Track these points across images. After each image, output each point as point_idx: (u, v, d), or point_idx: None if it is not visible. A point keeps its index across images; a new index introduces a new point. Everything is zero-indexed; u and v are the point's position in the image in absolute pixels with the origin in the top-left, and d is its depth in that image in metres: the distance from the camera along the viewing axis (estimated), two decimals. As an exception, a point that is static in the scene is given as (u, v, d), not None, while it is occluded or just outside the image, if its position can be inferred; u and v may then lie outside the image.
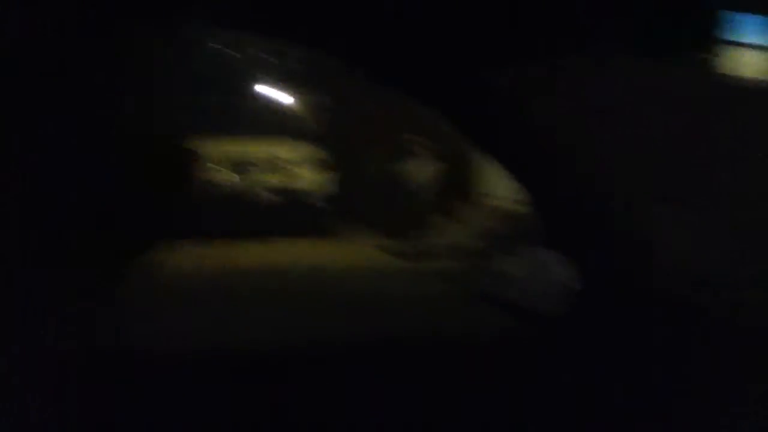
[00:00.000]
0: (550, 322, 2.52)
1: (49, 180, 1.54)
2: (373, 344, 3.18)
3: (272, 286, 6.54)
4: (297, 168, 9.97)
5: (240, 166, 9.80)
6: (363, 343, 3.73)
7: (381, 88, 4.41)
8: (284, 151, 10.11)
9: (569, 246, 2.53)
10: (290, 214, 9.55)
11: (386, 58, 2.60)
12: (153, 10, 2.07)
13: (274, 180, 9.75)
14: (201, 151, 9.49)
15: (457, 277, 7.07)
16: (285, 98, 12.08)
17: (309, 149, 10.25)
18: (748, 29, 3.22)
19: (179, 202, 8.24)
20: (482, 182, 9.36)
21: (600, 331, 2.39)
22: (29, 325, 1.50)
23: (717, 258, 2.52)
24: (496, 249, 7.09)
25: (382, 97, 8.67)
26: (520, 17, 2.45)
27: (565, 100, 2.44)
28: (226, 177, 9.67)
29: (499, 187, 8.87)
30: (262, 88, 11.80)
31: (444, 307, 5.52)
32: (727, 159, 2.74)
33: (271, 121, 11.05)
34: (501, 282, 3.12)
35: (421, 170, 9.43)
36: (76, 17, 1.61)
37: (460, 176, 9.48)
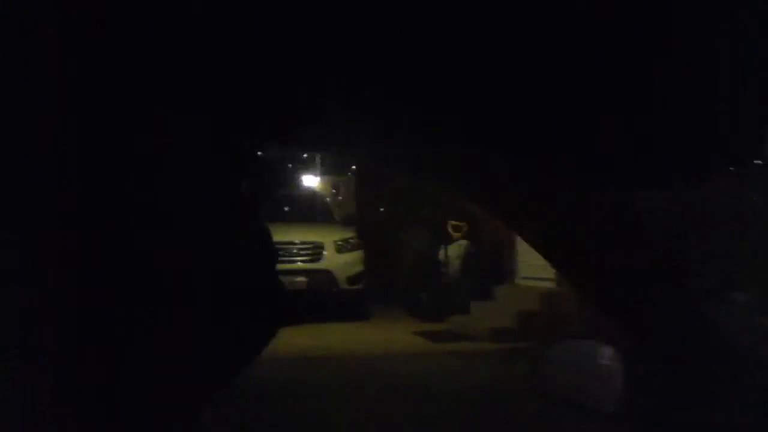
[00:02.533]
0: (600, 417, 2.51)
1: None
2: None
3: (315, 374, 6.58)
4: (335, 253, 10.11)
5: (281, 252, 9.97)
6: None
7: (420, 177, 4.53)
8: (322, 236, 10.28)
9: (624, 340, 2.53)
10: (328, 299, 9.67)
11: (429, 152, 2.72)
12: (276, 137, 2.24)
13: (312, 265, 9.89)
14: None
15: (496, 361, 7.03)
16: (324, 186, 12.42)
17: (347, 234, 10.40)
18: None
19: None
20: (521, 265, 9.38)
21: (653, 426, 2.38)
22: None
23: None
24: (535, 333, 7.06)
25: (421, 183, 8.87)
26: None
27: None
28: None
29: (539, 270, 8.89)
30: (303, 177, 12.17)
31: (483, 393, 5.50)
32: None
33: (310, 208, 11.32)
34: (543, 368, 3.12)
35: (459, 253, 9.50)
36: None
37: (497, 259, 9.52)
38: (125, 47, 1.52)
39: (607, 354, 2.97)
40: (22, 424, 1.31)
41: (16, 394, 1.32)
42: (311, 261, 9.92)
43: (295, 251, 9.93)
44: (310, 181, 13.61)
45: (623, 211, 2.42)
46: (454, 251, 9.61)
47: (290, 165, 13.37)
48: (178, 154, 1.58)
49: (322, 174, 13.66)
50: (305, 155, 13.39)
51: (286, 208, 11.08)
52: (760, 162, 2.58)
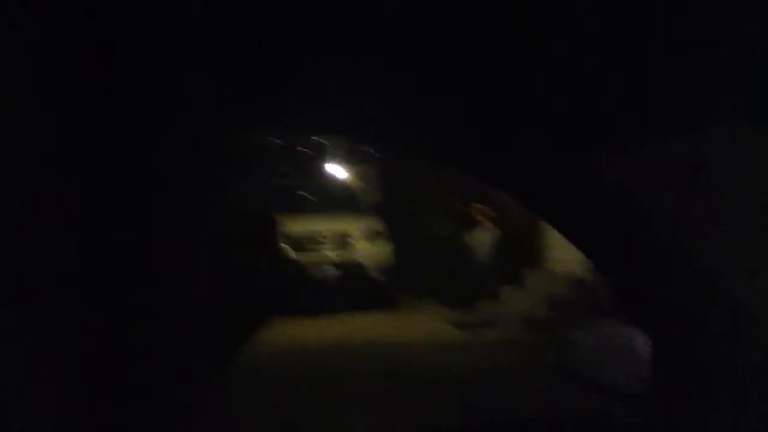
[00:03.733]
0: (632, 401, 2.45)
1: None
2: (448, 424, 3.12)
3: (348, 364, 6.58)
4: (361, 242, 10.09)
5: (308, 242, 9.99)
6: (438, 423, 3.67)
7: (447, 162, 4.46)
8: (348, 225, 10.26)
9: (652, 320, 2.47)
10: (356, 288, 9.67)
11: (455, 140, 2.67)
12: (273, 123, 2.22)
13: (339, 255, 9.89)
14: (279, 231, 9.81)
15: (528, 349, 6.95)
16: (349, 175, 12.39)
17: (372, 223, 10.37)
18: None
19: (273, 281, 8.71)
20: (549, 249, 9.25)
21: (682, 411, 2.32)
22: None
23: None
24: (567, 319, 6.96)
25: (446, 168, 8.77)
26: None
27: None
28: (295, 254, 9.88)
29: (566, 254, 8.76)
30: (327, 167, 12.17)
31: (516, 381, 5.43)
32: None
33: (336, 198, 11.31)
34: (575, 354, 3.05)
35: (486, 239, 9.41)
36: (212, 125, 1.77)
37: (525, 244, 9.41)
38: (123, 44, 1.49)
39: (635, 337, 2.89)
40: (22, 424, 1.31)
41: (16, 393, 1.31)
42: (338, 250, 9.91)
43: (322, 241, 9.93)
44: (336, 170, 13.58)
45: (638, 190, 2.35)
46: (481, 236, 9.51)
47: (308, 152, 13.36)
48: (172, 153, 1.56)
49: (348, 162, 13.63)
50: (328, 144, 13.38)
51: (312, 198, 11.09)
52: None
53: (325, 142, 12.90)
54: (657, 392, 2.27)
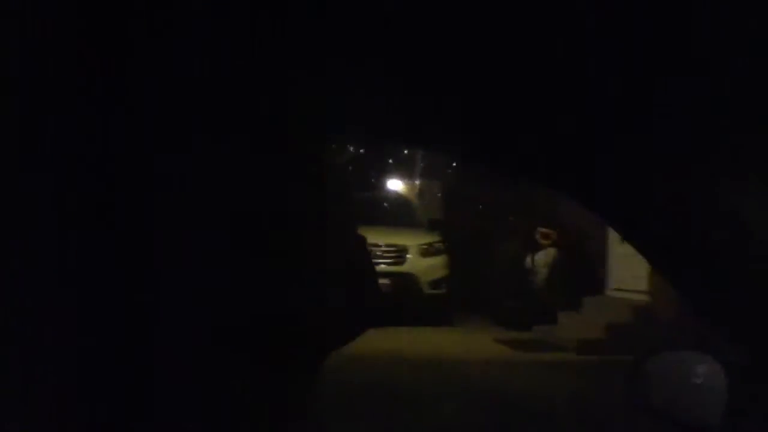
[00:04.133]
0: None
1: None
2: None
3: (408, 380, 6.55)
4: (418, 257, 10.07)
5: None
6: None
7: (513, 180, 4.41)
8: (405, 239, 10.26)
9: (729, 351, 2.36)
10: (410, 303, 9.63)
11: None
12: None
13: (395, 269, 9.89)
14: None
15: (586, 374, 6.79)
16: (407, 188, 12.42)
17: (430, 238, 10.35)
18: None
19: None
20: (611, 277, 9.06)
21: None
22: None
23: None
24: (627, 347, 6.78)
25: (510, 188, 8.72)
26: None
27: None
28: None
29: (628, 283, 8.56)
30: (388, 182, 12.23)
31: (581, 407, 5.31)
32: None
33: (394, 211, 11.34)
34: (645, 384, 2.94)
35: (547, 262, 9.28)
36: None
37: (587, 270, 9.23)
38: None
39: (711, 369, 2.78)
40: (22, 424, 1.31)
41: (16, 394, 1.32)
42: (394, 264, 9.91)
43: (378, 254, 9.94)
44: (395, 184, 13.64)
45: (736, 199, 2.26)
46: (542, 259, 9.38)
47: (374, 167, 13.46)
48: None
49: (408, 177, 13.67)
50: (390, 160, 13.45)
51: (371, 211, 11.14)
52: None
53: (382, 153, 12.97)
54: (735, 427, 2.16)
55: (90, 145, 1.48)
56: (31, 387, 1.36)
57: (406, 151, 12.58)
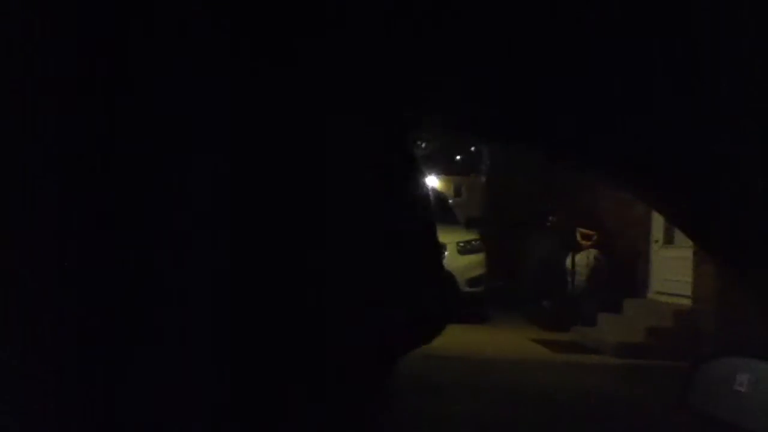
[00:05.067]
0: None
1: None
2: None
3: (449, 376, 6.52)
4: (455, 254, 10.01)
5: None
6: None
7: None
8: (443, 237, 10.19)
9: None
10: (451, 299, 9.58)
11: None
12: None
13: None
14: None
15: (626, 377, 6.70)
16: (445, 186, 12.37)
17: (469, 236, 10.28)
18: None
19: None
20: (652, 280, 8.91)
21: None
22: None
23: None
24: (670, 350, 6.67)
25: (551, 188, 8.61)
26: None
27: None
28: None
29: (669, 287, 8.41)
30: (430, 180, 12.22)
31: (624, 409, 5.24)
32: None
33: (438, 210, 11.30)
34: (703, 389, 2.89)
35: (588, 263, 9.16)
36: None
37: (628, 273, 9.09)
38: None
39: (753, 376, 2.72)
40: (21, 424, 1.32)
41: (16, 394, 1.33)
42: (432, 261, 9.87)
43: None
44: (432, 181, 13.58)
45: None
46: (582, 260, 9.25)
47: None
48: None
49: (445, 174, 13.60)
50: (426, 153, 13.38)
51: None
52: None
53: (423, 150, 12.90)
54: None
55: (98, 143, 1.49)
56: (31, 387, 1.37)
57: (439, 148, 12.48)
